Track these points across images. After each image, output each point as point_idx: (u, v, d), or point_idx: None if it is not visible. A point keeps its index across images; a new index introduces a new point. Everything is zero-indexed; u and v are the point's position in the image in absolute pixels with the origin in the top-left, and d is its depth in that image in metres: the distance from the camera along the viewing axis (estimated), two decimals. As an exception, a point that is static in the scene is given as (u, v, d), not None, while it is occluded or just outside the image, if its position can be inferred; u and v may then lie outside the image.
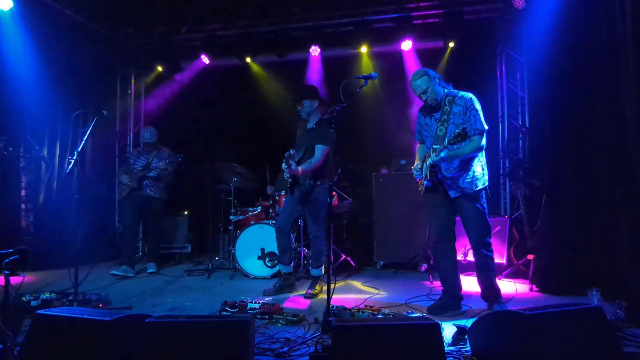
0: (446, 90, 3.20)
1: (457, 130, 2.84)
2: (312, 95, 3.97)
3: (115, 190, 6.35)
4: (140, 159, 5.23)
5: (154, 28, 6.45)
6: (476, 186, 3.12)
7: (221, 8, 5.87)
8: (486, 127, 3.10)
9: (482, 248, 3.17)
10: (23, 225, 5.38)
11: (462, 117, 3.09)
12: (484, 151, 3.18)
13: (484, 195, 3.19)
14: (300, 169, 3.68)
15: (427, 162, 3.11)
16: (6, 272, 2.19)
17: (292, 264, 4.09)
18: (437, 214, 3.32)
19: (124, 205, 5.24)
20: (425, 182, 3.17)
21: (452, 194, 3.17)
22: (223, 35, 6.32)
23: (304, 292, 3.92)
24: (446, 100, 3.16)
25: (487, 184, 3.20)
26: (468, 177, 3.12)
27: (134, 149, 5.56)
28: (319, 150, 3.85)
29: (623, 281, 3.21)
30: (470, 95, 3.16)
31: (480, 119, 3.08)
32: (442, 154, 2.96)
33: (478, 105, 3.11)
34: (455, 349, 2.37)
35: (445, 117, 3.13)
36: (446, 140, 2.93)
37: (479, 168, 3.16)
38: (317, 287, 3.91)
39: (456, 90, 3.22)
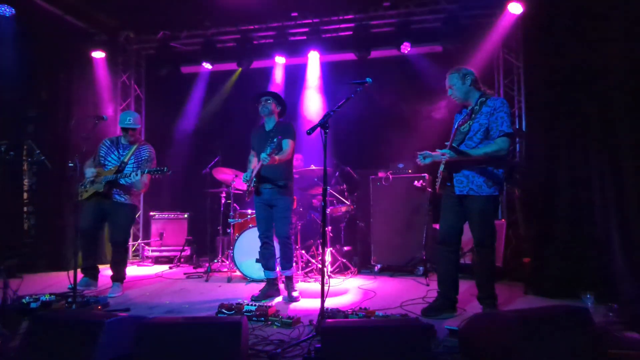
0: (480, 93, 3.26)
1: (481, 129, 2.99)
2: (279, 98, 4.06)
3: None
4: (113, 153, 4.12)
5: (154, 32, 6.53)
6: (485, 191, 3.13)
7: (220, 13, 5.94)
8: (511, 130, 3.11)
9: (483, 251, 3.20)
10: (24, 228, 5.44)
11: (488, 118, 3.13)
12: (504, 162, 3.17)
13: (490, 201, 3.16)
14: (277, 157, 3.65)
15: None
16: (5, 274, 2.22)
17: (276, 269, 4.10)
18: (445, 217, 3.36)
19: (84, 207, 4.03)
20: (442, 168, 3.23)
21: (457, 190, 3.20)
22: (222, 40, 6.40)
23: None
24: (478, 102, 3.23)
25: (497, 193, 3.16)
26: (477, 179, 3.14)
27: (107, 139, 4.26)
28: (287, 143, 3.86)
29: (616, 285, 3.24)
30: (501, 98, 3.24)
31: (507, 121, 3.10)
32: (460, 147, 3.03)
33: (507, 109, 3.15)
34: (446, 351, 2.40)
35: (473, 115, 3.20)
36: (467, 138, 3.05)
37: (492, 174, 3.14)
38: (296, 288, 3.96)
39: (490, 94, 3.28)
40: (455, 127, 3.31)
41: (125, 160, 4.04)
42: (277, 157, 3.66)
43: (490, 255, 3.21)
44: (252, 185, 3.93)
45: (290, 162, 4.03)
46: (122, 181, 3.94)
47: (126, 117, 4.13)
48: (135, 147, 4.14)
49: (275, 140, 3.60)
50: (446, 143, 3.19)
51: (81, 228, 3.94)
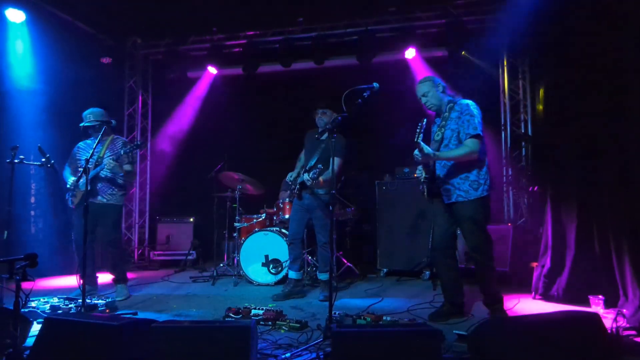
0: (449, 98, 3.24)
1: (453, 135, 2.95)
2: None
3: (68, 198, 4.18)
4: (87, 152, 4.00)
5: (161, 38, 6.58)
6: (473, 195, 3.10)
7: (227, 18, 5.98)
8: (479, 131, 3.04)
9: (479, 256, 3.17)
10: (32, 231, 5.48)
11: (457, 122, 3.13)
12: (484, 161, 3.16)
13: (480, 205, 3.12)
14: (321, 179, 3.86)
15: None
16: (17, 277, 2.24)
17: (301, 271, 4.24)
18: (437, 223, 3.34)
19: (76, 215, 4.05)
20: (423, 177, 3.28)
21: (445, 199, 3.19)
22: (229, 45, 6.44)
23: (304, 299, 3.98)
24: (447, 107, 3.21)
25: (485, 194, 3.13)
26: (463, 184, 3.12)
27: (81, 142, 4.22)
28: (337, 162, 3.95)
29: (625, 289, 3.21)
30: (467, 101, 3.19)
31: (474, 123, 3.05)
32: (429, 151, 2.98)
33: (475, 111, 3.11)
34: (455, 356, 2.39)
35: (444, 122, 3.19)
36: (442, 146, 3.02)
37: (476, 177, 3.12)
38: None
39: (459, 99, 3.25)
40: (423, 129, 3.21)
41: (102, 154, 3.99)
42: (321, 180, 3.87)
43: (488, 260, 3.16)
44: (295, 191, 4.10)
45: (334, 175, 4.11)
46: (104, 173, 3.93)
47: (86, 115, 4.08)
48: (108, 140, 4.09)
49: (320, 167, 3.79)
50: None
51: (76, 237, 3.99)
